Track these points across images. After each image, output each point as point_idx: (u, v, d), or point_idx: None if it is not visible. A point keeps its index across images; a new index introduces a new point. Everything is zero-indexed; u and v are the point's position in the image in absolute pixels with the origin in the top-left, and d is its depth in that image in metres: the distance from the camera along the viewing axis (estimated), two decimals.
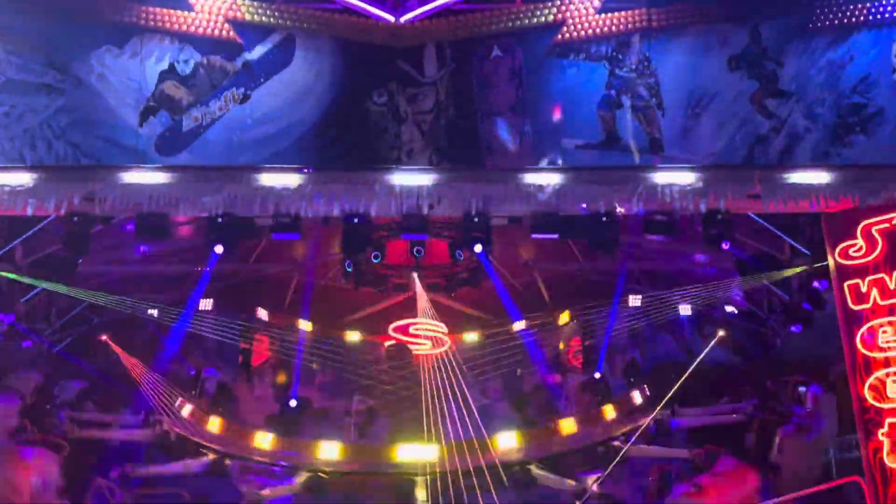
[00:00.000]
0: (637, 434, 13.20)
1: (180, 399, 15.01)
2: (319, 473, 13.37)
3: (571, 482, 12.42)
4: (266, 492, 12.85)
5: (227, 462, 13.47)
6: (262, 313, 18.31)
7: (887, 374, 9.68)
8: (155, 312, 16.57)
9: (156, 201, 10.60)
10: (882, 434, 9.55)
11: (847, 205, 10.51)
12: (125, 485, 11.97)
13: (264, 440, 14.25)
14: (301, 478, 13.28)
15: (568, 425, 14.61)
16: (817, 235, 11.72)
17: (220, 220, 11.25)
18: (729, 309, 16.38)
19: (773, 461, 11.78)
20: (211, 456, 13.50)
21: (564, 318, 18.81)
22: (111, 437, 13.56)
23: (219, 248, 11.99)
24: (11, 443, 11.25)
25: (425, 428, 14.61)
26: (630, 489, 12.66)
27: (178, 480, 13.02)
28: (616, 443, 13.19)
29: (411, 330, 17.39)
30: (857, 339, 10.03)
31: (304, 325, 18.86)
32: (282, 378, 17.84)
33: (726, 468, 11.23)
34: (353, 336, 18.74)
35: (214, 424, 14.43)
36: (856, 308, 10.17)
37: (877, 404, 9.69)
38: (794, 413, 12.27)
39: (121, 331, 15.51)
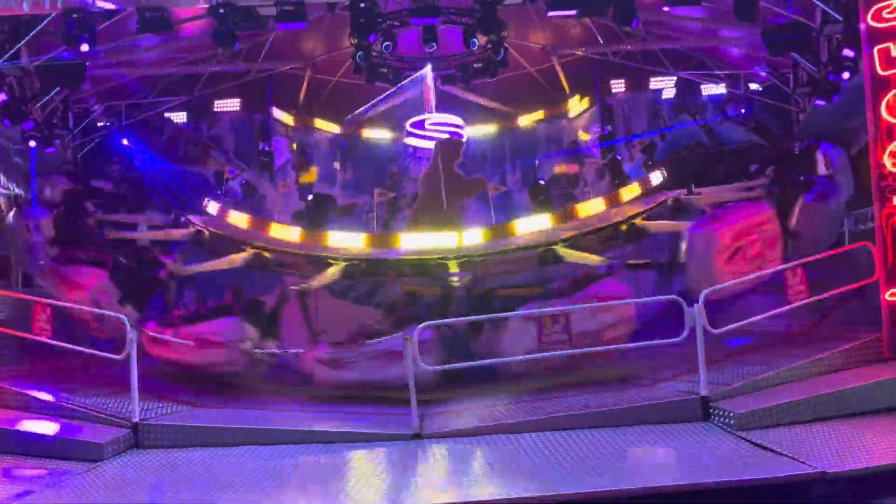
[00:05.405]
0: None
1: (206, 198, 15.36)
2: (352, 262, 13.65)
3: (595, 257, 12.86)
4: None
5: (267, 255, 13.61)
6: (278, 113, 18.24)
7: None
8: (172, 116, 16.70)
9: None
10: None
11: None
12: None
13: (292, 233, 14.64)
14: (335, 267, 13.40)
15: (584, 209, 14.84)
16: (850, 0, 11.02)
17: (221, 10, 10.93)
18: (753, 86, 15.91)
19: (793, 228, 12.06)
20: (250, 251, 13.60)
21: (583, 104, 18.51)
22: (145, 237, 13.89)
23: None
24: (55, 266, 11.45)
25: (447, 217, 14.97)
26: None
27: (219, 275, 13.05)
28: (636, 221, 13.49)
29: (427, 125, 17.24)
30: (883, 106, 9.71)
31: (321, 124, 18.84)
32: (304, 177, 18.15)
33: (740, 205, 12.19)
34: (370, 133, 18.74)
35: (242, 220, 14.79)
36: (884, 73, 9.71)
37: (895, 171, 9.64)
38: (815, 182, 12.32)
39: (140, 134, 15.58)
